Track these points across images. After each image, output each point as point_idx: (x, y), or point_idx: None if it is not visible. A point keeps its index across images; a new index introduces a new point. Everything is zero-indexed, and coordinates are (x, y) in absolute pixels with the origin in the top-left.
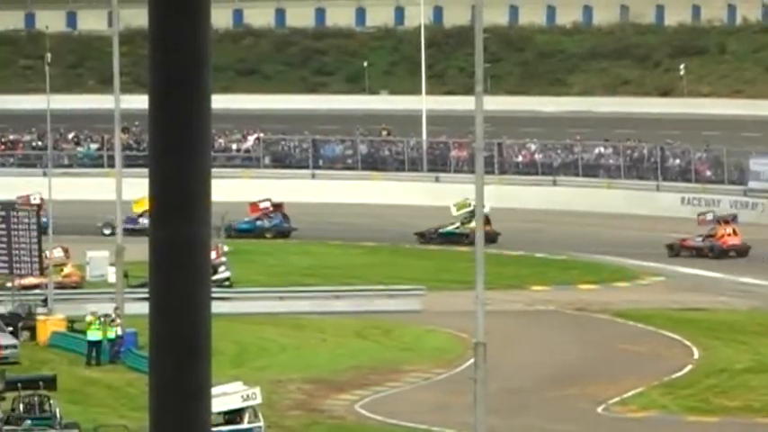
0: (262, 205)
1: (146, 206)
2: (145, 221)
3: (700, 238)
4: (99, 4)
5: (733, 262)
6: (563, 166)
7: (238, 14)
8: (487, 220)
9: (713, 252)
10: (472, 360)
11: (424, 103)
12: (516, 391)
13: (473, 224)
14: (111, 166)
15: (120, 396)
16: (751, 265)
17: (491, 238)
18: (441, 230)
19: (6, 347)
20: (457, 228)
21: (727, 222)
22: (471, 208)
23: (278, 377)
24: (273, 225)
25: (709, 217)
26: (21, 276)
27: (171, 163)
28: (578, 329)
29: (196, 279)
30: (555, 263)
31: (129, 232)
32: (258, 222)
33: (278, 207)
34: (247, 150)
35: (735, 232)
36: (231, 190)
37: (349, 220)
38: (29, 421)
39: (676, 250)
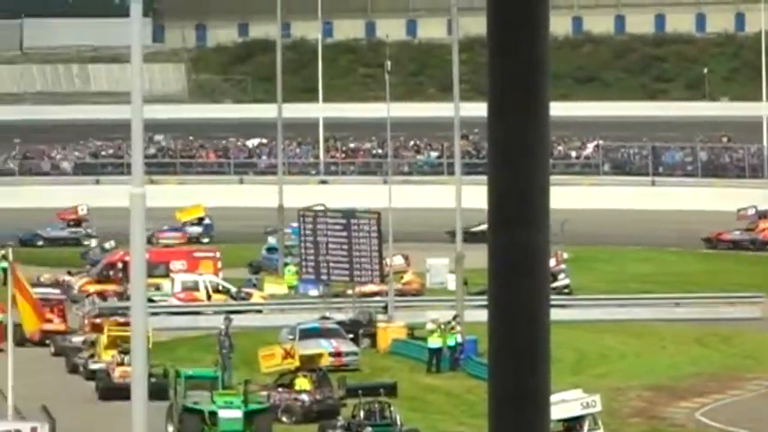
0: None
1: (190, 215)
2: (190, 230)
3: (738, 232)
4: (439, 13)
5: None
6: None
7: (577, 21)
8: None
9: (754, 245)
10: None
11: (766, 109)
12: None
13: None
14: (451, 173)
15: (459, 403)
16: None
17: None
18: (471, 230)
19: (347, 354)
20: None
21: (766, 217)
22: None
23: (618, 385)
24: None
25: (751, 212)
26: (361, 284)
27: (510, 170)
28: None
29: (535, 286)
30: None
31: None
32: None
33: None
34: (587, 157)
35: None
36: (570, 197)
37: (688, 227)
38: (369, 428)
39: (713, 243)
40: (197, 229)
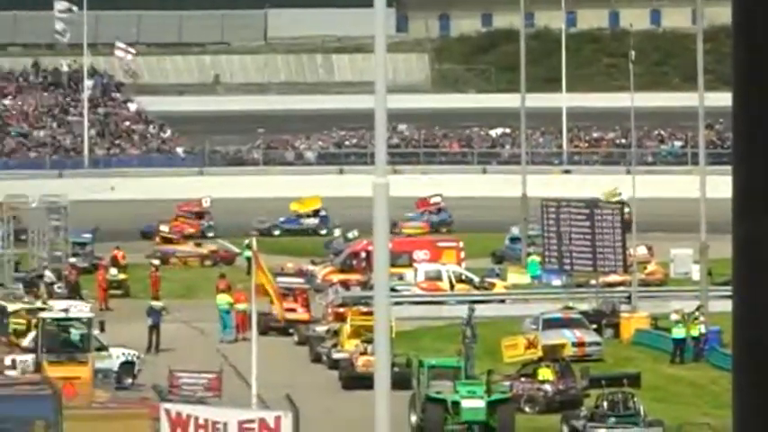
0: (432, 200)
1: (306, 207)
2: (307, 222)
3: None
4: (683, 2)
5: None
6: None
7: None
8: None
9: None
10: None
11: None
12: None
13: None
14: (695, 163)
15: (703, 394)
16: None
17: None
18: None
19: (590, 344)
20: None
21: None
22: (620, 197)
23: None
24: (441, 220)
25: None
26: (605, 273)
27: (755, 160)
28: None
29: None
30: None
31: (289, 233)
32: (425, 217)
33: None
34: None
35: None
36: None
37: None
38: (613, 418)
39: None
40: (313, 221)
